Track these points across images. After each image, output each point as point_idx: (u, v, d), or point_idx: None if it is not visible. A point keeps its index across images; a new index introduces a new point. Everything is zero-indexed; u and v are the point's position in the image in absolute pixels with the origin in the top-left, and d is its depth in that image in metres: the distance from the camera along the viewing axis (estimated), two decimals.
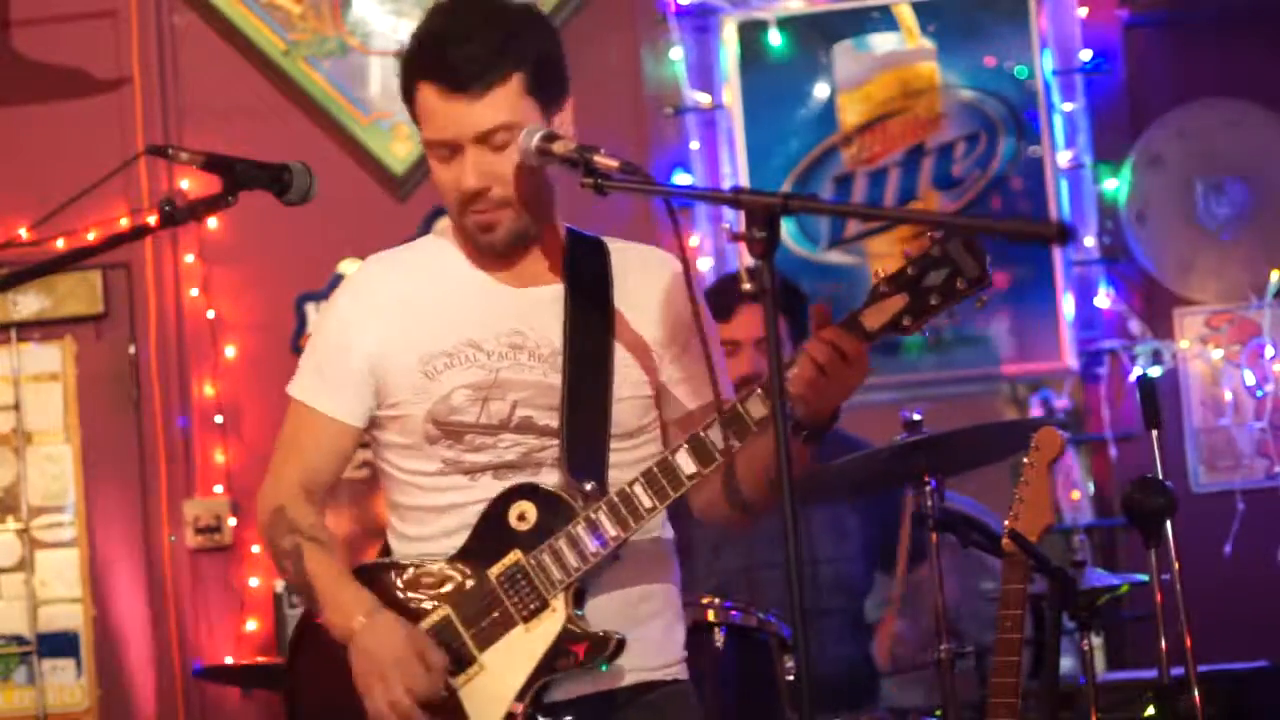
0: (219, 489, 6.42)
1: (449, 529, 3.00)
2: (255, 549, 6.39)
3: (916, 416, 4.14)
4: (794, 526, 2.43)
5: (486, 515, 2.96)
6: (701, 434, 2.84)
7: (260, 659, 6.18)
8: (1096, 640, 4.73)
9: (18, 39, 6.59)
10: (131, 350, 6.51)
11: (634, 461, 2.98)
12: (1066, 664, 4.90)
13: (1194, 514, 5.62)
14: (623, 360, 3.00)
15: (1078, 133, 6.26)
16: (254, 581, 6.36)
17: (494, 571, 2.94)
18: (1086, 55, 6.27)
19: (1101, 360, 6.19)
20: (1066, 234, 2.26)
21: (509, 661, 2.93)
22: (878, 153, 6.28)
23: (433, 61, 2.91)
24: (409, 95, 2.98)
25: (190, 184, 6.31)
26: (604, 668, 2.93)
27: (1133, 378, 6.04)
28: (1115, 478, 6.10)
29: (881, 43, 6.30)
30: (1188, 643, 4.05)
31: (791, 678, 3.89)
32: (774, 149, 6.29)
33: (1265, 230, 6.21)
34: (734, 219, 5.83)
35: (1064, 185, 6.24)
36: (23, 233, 6.02)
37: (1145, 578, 4.07)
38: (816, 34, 6.31)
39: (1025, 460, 3.81)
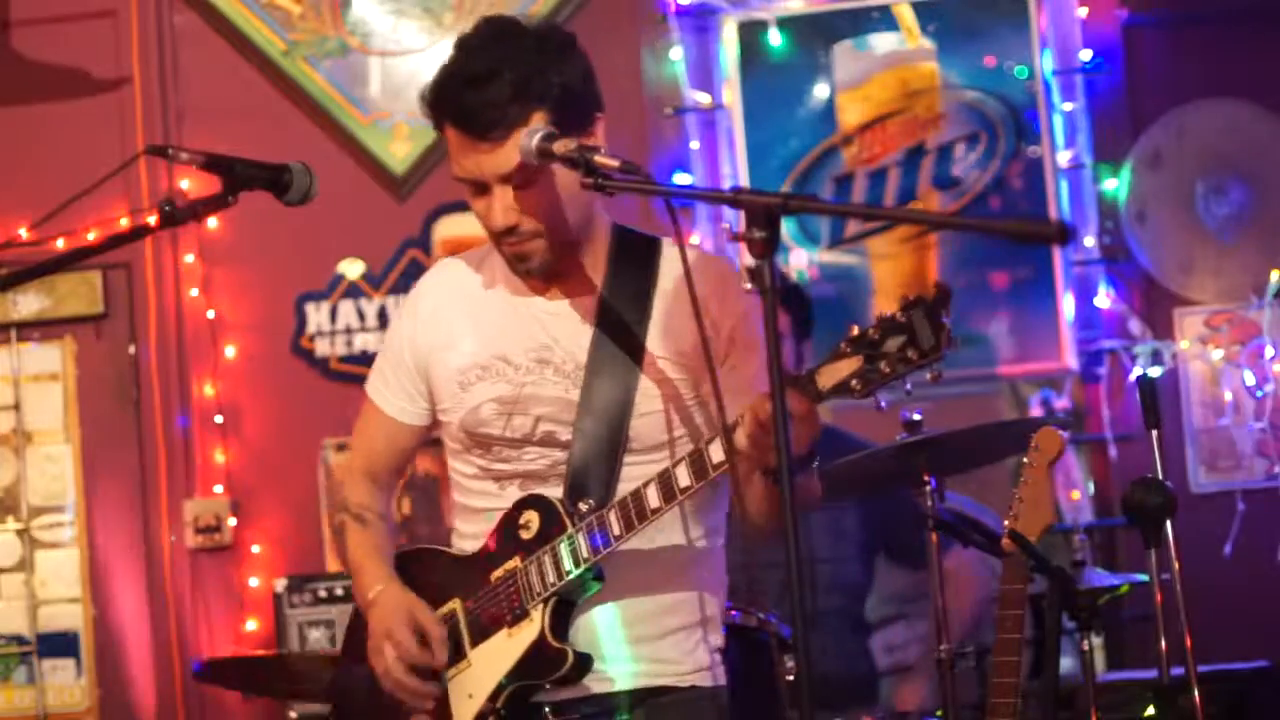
0: (219, 489, 6.42)
1: (481, 529, 3.08)
2: (255, 549, 6.39)
3: (916, 416, 4.14)
4: (794, 527, 2.43)
5: (504, 519, 3.03)
6: (670, 471, 2.86)
7: (260, 652, 6.17)
8: (1096, 640, 4.73)
9: (18, 39, 6.59)
10: (131, 350, 6.51)
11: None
12: (1066, 664, 4.90)
13: (1194, 514, 5.63)
14: (651, 373, 3.00)
15: (1078, 133, 6.26)
16: (254, 581, 6.36)
17: (496, 574, 3.01)
18: (1086, 55, 6.27)
19: (1101, 360, 6.19)
20: (1067, 234, 2.26)
21: (490, 662, 3.00)
22: (878, 153, 6.28)
23: (454, 106, 2.93)
24: (438, 126, 3.00)
25: (190, 184, 6.31)
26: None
27: (1133, 378, 6.04)
28: (1115, 478, 6.10)
29: (881, 43, 6.30)
30: (1188, 643, 4.04)
31: (791, 678, 3.89)
32: (774, 149, 6.29)
33: (1265, 230, 6.21)
34: (734, 219, 5.83)
35: (1064, 185, 6.24)
36: (23, 233, 6.02)
37: (1145, 578, 4.06)
38: (816, 34, 6.31)
39: (1025, 460, 3.81)
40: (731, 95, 6.31)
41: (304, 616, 6.16)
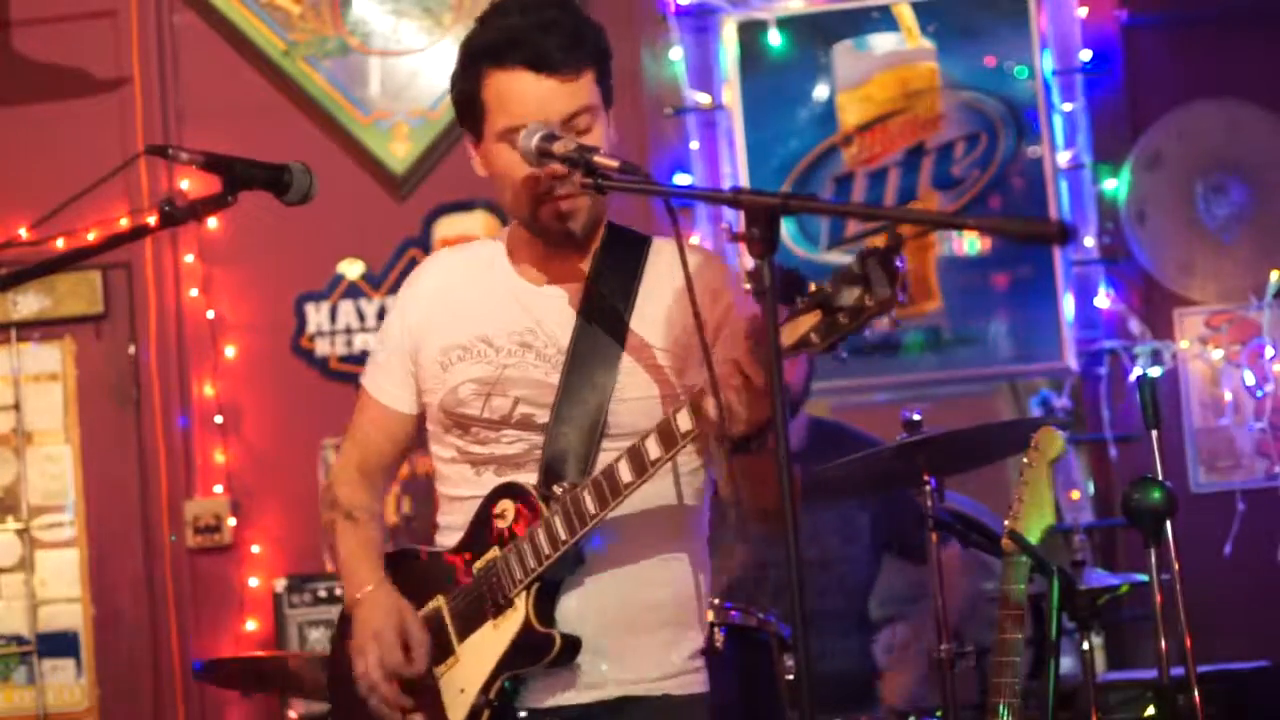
0: (219, 489, 6.42)
1: (460, 520, 3.07)
2: (255, 549, 6.39)
3: (916, 417, 4.14)
4: (794, 527, 2.42)
5: (480, 510, 3.02)
6: (639, 444, 2.85)
7: (259, 652, 6.17)
8: (1096, 640, 4.73)
9: (18, 39, 6.59)
10: (131, 350, 6.51)
11: None
12: (1066, 664, 4.90)
13: (1194, 514, 5.63)
14: (635, 361, 3.00)
15: (1078, 133, 6.26)
16: (254, 581, 6.36)
17: (477, 566, 3.01)
18: (1086, 55, 6.27)
19: (1101, 360, 6.19)
20: (1067, 234, 2.26)
21: (479, 655, 2.99)
22: (878, 153, 6.28)
23: (522, 47, 2.94)
24: (475, 87, 2.98)
25: (190, 184, 6.32)
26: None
27: (1133, 378, 6.05)
28: (1115, 478, 6.10)
29: (881, 43, 6.30)
30: (1188, 643, 4.04)
31: (791, 678, 3.89)
32: (774, 149, 6.29)
33: (1265, 230, 6.21)
34: (734, 219, 5.83)
35: (1064, 185, 6.24)
36: (23, 233, 6.02)
37: (1145, 578, 4.06)
38: (816, 34, 6.31)
39: (1025, 460, 3.81)
40: (731, 95, 6.31)
41: (304, 616, 6.16)
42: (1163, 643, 4.03)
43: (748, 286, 2.52)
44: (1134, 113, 6.29)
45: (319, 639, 6.13)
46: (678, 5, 6.32)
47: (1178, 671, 4.09)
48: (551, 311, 3.03)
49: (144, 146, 4.94)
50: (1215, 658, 5.08)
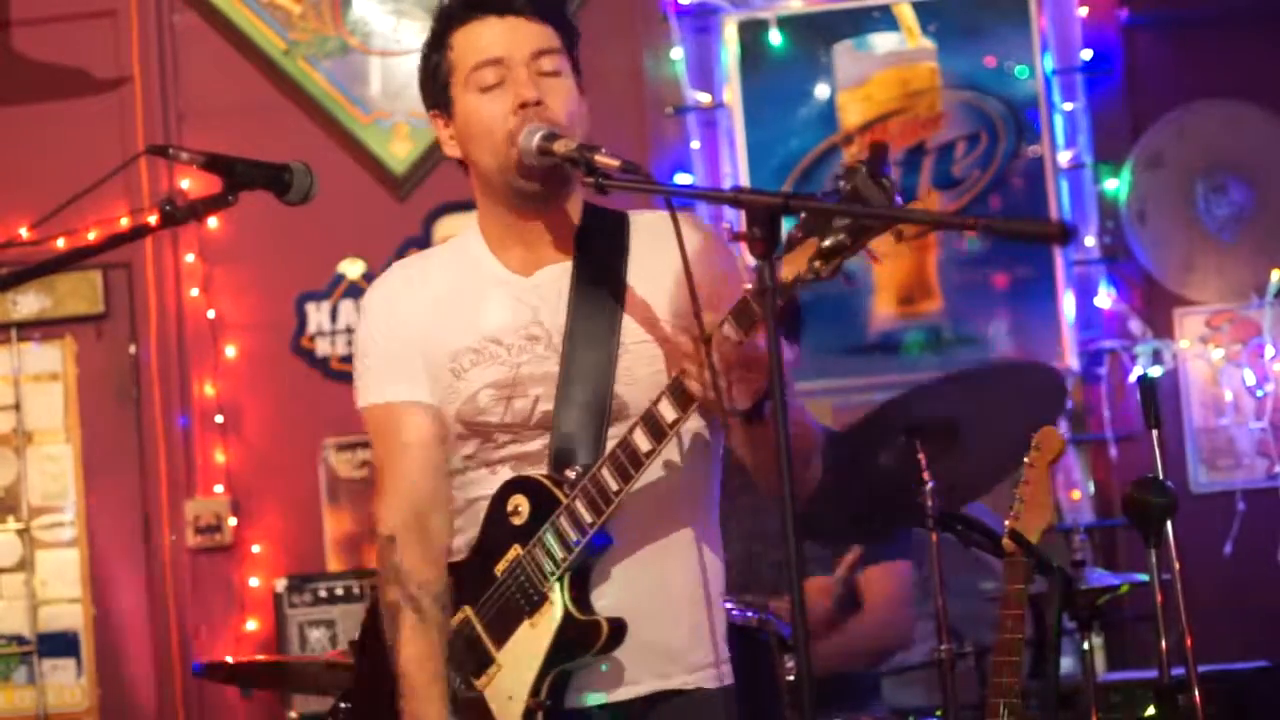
0: (219, 489, 6.42)
1: (469, 522, 2.98)
2: (255, 549, 6.39)
3: None
4: (794, 528, 2.42)
5: (490, 511, 2.94)
6: (652, 407, 2.79)
7: (260, 657, 6.17)
8: (1096, 640, 4.73)
9: (18, 39, 6.59)
10: (131, 350, 6.51)
11: None
12: (1066, 664, 4.90)
13: (1194, 514, 5.63)
14: (635, 340, 2.93)
15: (1078, 133, 6.26)
16: (254, 581, 6.36)
17: (499, 568, 2.92)
18: (1086, 55, 6.27)
19: (1101, 360, 6.19)
20: (1068, 234, 2.24)
21: (521, 658, 2.90)
22: None
23: (485, 3, 2.94)
24: (442, 55, 2.98)
25: (190, 184, 6.32)
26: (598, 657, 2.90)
27: (1133, 378, 6.05)
28: (1115, 478, 6.10)
29: (881, 43, 6.31)
30: (1188, 643, 4.04)
31: (792, 678, 3.89)
32: (774, 149, 6.30)
33: (1265, 230, 6.21)
34: (734, 218, 5.83)
35: (1064, 185, 6.24)
36: (23, 233, 6.02)
37: (1145, 578, 4.06)
38: (816, 34, 6.32)
39: (1025, 460, 3.81)
40: (732, 95, 6.31)
41: (304, 616, 6.16)
42: (1163, 643, 4.03)
43: (748, 286, 2.50)
44: (1134, 113, 6.29)
45: (319, 639, 6.12)
46: (678, 5, 6.32)
47: (1178, 671, 4.09)
48: (548, 299, 2.96)
49: (144, 146, 4.96)
50: (1215, 658, 5.08)
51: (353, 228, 6.44)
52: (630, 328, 2.94)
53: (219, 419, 6.44)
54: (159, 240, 6.41)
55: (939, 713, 4.41)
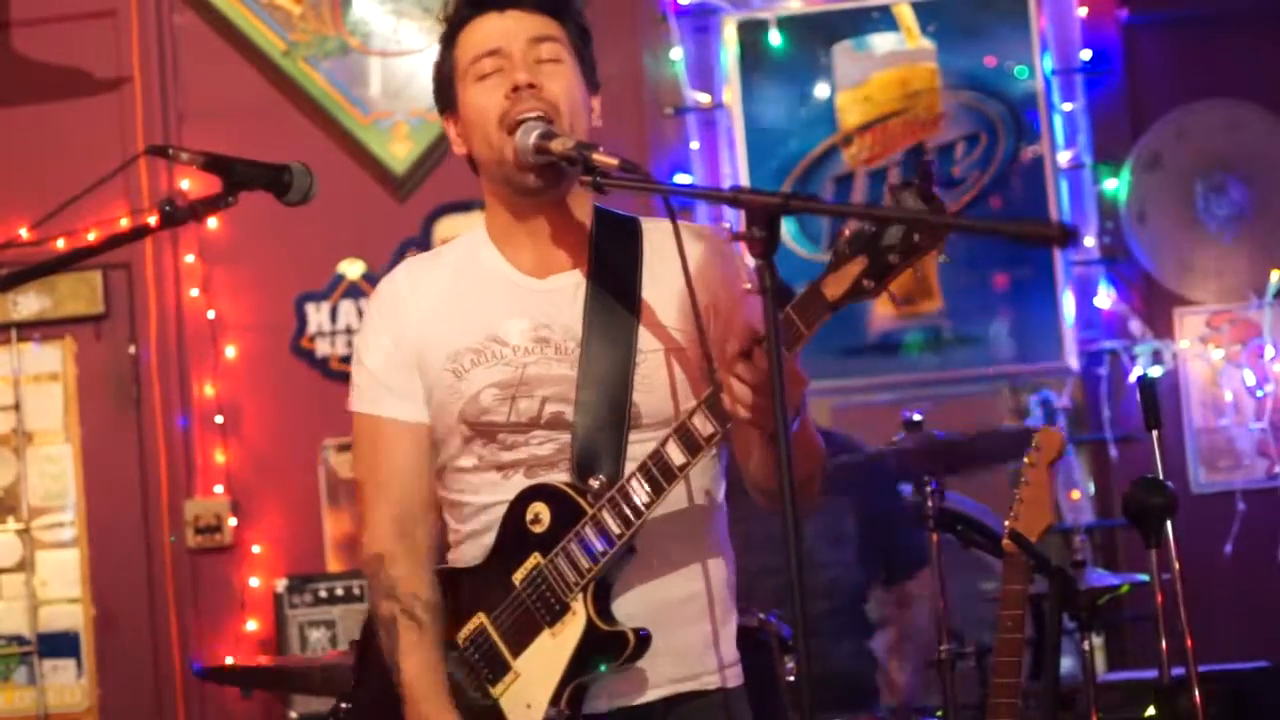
0: (219, 489, 6.42)
1: (483, 527, 2.95)
2: (255, 549, 6.39)
3: (917, 417, 4.14)
4: (795, 529, 2.42)
5: (507, 517, 2.91)
6: (687, 421, 2.76)
7: (261, 659, 6.18)
8: (1096, 640, 4.73)
9: (18, 39, 6.59)
10: (131, 350, 6.51)
11: None
12: (1066, 664, 4.90)
13: (1194, 514, 5.63)
14: (652, 347, 2.91)
15: (1078, 133, 6.27)
16: (254, 581, 6.36)
17: (517, 577, 2.89)
18: (1086, 55, 6.27)
19: (1101, 360, 6.19)
20: (1069, 235, 2.22)
21: (541, 667, 2.88)
22: (878, 153, 6.29)
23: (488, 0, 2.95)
24: (450, 55, 2.97)
25: (190, 184, 6.32)
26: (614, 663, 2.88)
27: (1133, 378, 6.05)
28: (1115, 478, 6.10)
29: (881, 43, 6.31)
30: (1188, 643, 4.04)
31: (792, 678, 3.89)
32: (774, 149, 6.30)
33: (1265, 230, 6.22)
34: (734, 218, 5.83)
35: (1064, 185, 6.24)
36: (23, 233, 6.02)
37: (1145, 578, 4.07)
38: (816, 34, 6.32)
39: (1025, 460, 3.81)
40: (731, 95, 6.31)
41: (304, 617, 6.16)
42: (1163, 643, 4.03)
43: (748, 286, 2.49)
44: (1134, 113, 6.29)
45: (320, 639, 6.13)
46: (678, 5, 6.32)
47: (1178, 671, 4.10)
48: (563, 304, 2.93)
49: (144, 146, 4.95)
50: (1215, 658, 5.08)
51: (352, 228, 6.44)
52: (647, 336, 2.92)
53: (219, 419, 6.44)
54: (159, 241, 6.41)
55: (939, 713, 4.41)
